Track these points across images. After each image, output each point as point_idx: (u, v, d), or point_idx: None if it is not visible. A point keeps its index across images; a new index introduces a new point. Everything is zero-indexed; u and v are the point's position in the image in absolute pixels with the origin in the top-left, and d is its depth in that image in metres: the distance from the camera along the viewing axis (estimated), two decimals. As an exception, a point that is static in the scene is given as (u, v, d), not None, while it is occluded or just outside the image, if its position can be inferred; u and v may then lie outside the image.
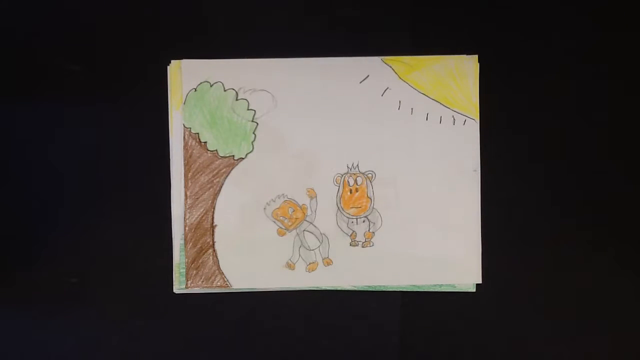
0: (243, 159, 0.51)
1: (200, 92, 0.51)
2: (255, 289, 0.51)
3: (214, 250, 0.51)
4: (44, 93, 0.51)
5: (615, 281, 0.51)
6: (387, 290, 0.51)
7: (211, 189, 0.51)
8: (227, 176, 0.51)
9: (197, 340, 0.51)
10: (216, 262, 0.51)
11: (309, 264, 0.51)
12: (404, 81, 0.51)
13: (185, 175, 0.51)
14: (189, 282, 0.51)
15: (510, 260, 0.51)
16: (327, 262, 0.51)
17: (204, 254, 0.51)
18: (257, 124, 0.51)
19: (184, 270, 0.51)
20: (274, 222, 0.51)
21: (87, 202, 0.51)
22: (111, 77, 0.51)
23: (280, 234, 0.51)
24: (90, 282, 0.51)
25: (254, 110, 0.51)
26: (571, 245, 0.51)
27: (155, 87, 0.50)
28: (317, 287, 0.51)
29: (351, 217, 0.51)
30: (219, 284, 0.51)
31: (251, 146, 0.51)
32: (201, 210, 0.51)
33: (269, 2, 0.51)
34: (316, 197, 0.51)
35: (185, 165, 0.51)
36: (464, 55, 0.50)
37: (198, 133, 0.51)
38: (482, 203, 0.50)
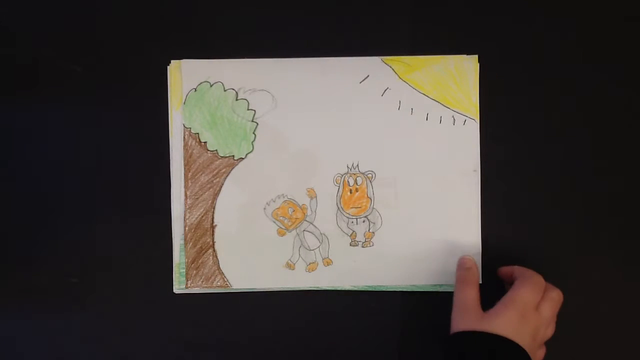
0: (243, 159, 0.51)
1: (200, 92, 0.51)
2: (255, 289, 0.51)
3: (214, 250, 0.51)
4: (44, 93, 0.51)
5: (615, 281, 0.51)
6: (387, 290, 0.51)
7: (211, 189, 0.51)
8: (227, 176, 0.51)
9: (197, 340, 0.51)
10: (216, 262, 0.51)
11: (309, 264, 0.51)
12: (404, 81, 0.50)
13: (185, 175, 0.51)
14: (189, 282, 0.51)
15: (510, 260, 0.50)
16: (327, 262, 0.51)
17: (204, 254, 0.51)
18: (257, 124, 0.51)
19: (184, 270, 0.51)
20: (274, 222, 0.51)
21: (87, 202, 0.51)
22: (111, 77, 0.51)
23: (280, 234, 0.51)
24: (90, 282, 0.51)
25: (254, 110, 0.51)
26: (571, 246, 0.51)
27: (155, 87, 0.50)
28: (317, 287, 0.51)
29: (351, 217, 0.51)
30: (219, 284, 0.51)
31: (251, 146, 0.51)
32: (201, 210, 0.51)
33: (269, 2, 0.51)
34: (316, 197, 0.51)
35: (185, 165, 0.51)
36: (464, 55, 0.50)
37: (198, 133, 0.51)
38: (482, 203, 0.50)
